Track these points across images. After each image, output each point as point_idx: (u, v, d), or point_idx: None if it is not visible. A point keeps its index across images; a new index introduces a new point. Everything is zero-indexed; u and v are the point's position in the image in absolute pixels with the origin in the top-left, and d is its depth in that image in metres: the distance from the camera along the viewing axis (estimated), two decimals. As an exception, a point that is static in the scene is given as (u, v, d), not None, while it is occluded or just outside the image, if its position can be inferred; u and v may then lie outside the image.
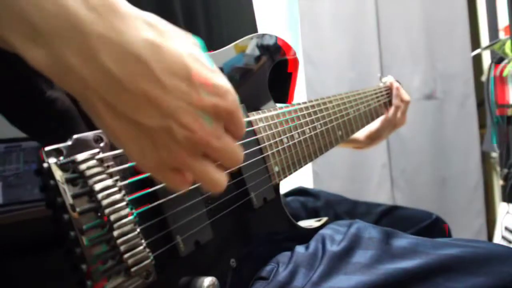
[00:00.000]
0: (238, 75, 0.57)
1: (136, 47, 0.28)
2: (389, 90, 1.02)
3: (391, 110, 0.99)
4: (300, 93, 1.75)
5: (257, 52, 0.61)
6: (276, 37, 0.64)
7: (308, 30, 1.81)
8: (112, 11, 0.28)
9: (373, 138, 1.02)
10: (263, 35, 0.63)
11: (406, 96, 1.01)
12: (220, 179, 0.34)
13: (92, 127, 0.36)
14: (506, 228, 1.66)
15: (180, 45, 0.31)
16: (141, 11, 0.30)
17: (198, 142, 0.31)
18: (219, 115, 0.32)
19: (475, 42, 1.98)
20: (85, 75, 0.27)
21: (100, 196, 0.34)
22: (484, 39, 1.98)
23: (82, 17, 0.27)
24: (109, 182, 0.35)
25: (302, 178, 1.70)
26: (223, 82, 0.33)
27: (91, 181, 0.34)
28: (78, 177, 0.34)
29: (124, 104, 0.29)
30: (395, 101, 1.00)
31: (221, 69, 0.55)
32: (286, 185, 0.60)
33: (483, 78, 1.87)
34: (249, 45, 0.60)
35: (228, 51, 0.57)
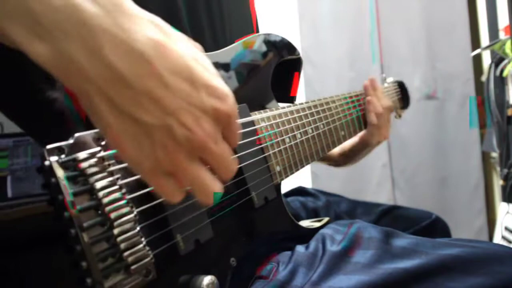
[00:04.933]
0: (245, 71, 0.58)
1: (140, 44, 0.28)
2: (397, 87, 1.01)
3: (369, 129, 0.82)
4: (300, 93, 1.74)
5: (264, 49, 0.62)
6: (282, 37, 0.64)
7: (307, 30, 1.81)
8: (119, 8, 0.28)
9: (347, 156, 0.90)
10: (270, 34, 0.63)
11: (379, 109, 0.81)
12: (214, 187, 0.34)
13: (89, 127, 0.36)
14: (506, 228, 1.66)
15: (184, 47, 0.31)
16: (148, 13, 0.30)
17: (197, 143, 0.31)
18: (219, 118, 0.32)
19: (475, 42, 1.98)
20: (88, 69, 0.27)
21: (100, 194, 0.34)
22: (484, 39, 1.97)
23: (88, 11, 0.27)
24: (109, 180, 0.35)
25: (301, 179, 1.70)
26: (224, 86, 0.33)
27: (91, 179, 0.34)
28: (79, 175, 0.34)
29: (126, 100, 0.29)
30: (369, 119, 0.81)
31: (229, 65, 0.55)
32: (285, 186, 0.60)
33: (483, 78, 1.87)
34: (257, 42, 0.61)
35: (236, 48, 0.58)
